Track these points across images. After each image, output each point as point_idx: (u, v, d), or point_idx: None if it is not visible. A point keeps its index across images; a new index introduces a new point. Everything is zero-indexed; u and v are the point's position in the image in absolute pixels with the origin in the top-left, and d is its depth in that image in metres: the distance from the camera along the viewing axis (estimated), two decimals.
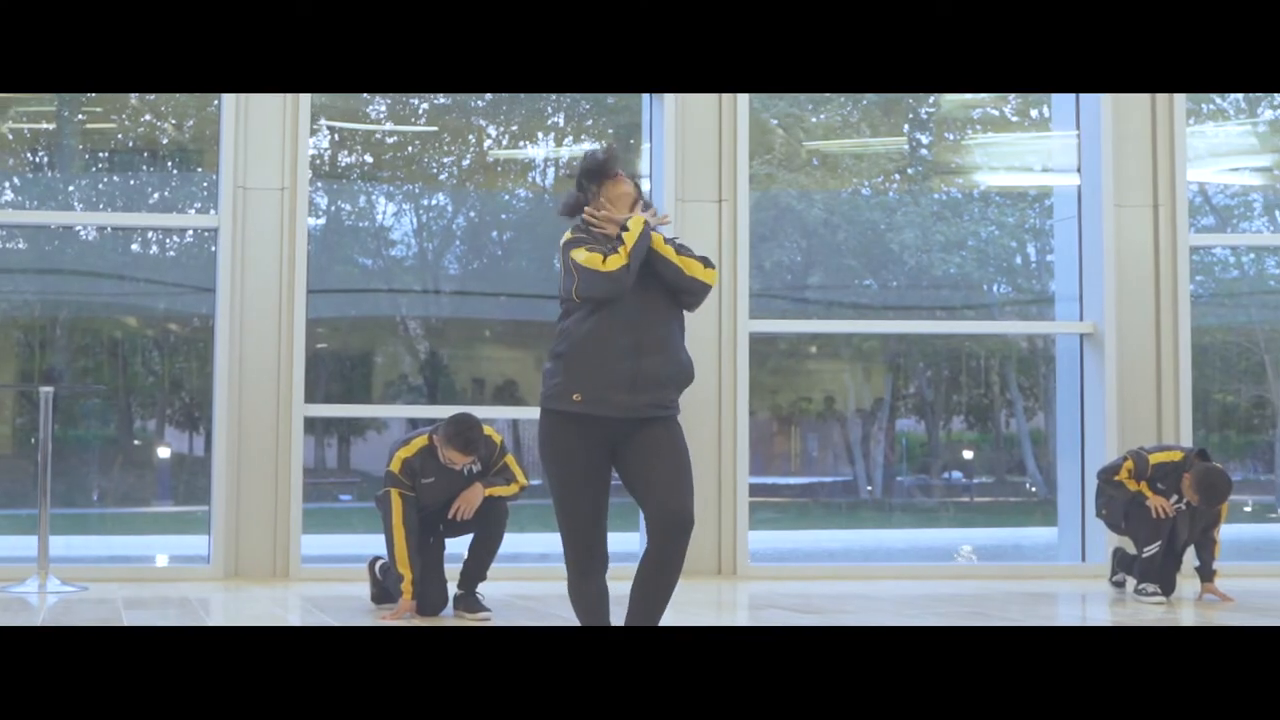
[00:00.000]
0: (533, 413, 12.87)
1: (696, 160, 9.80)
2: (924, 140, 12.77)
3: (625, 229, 4.79)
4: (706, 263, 4.89)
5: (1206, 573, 8.26)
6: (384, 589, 7.52)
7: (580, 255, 4.76)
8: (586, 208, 4.93)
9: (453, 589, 7.34)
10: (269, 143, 9.57)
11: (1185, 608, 7.89)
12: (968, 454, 14.82)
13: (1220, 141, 12.53)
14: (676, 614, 7.99)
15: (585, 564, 4.81)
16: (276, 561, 9.38)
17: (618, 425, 4.76)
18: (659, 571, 4.74)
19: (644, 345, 4.75)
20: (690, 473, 4.79)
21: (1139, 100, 10.07)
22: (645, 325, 4.76)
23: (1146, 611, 7.67)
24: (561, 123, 12.30)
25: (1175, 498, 8.18)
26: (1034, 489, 14.29)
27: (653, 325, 4.78)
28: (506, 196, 12.63)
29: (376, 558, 7.64)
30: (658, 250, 4.83)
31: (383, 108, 11.84)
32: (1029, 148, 12.13)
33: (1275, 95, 12.47)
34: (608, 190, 4.93)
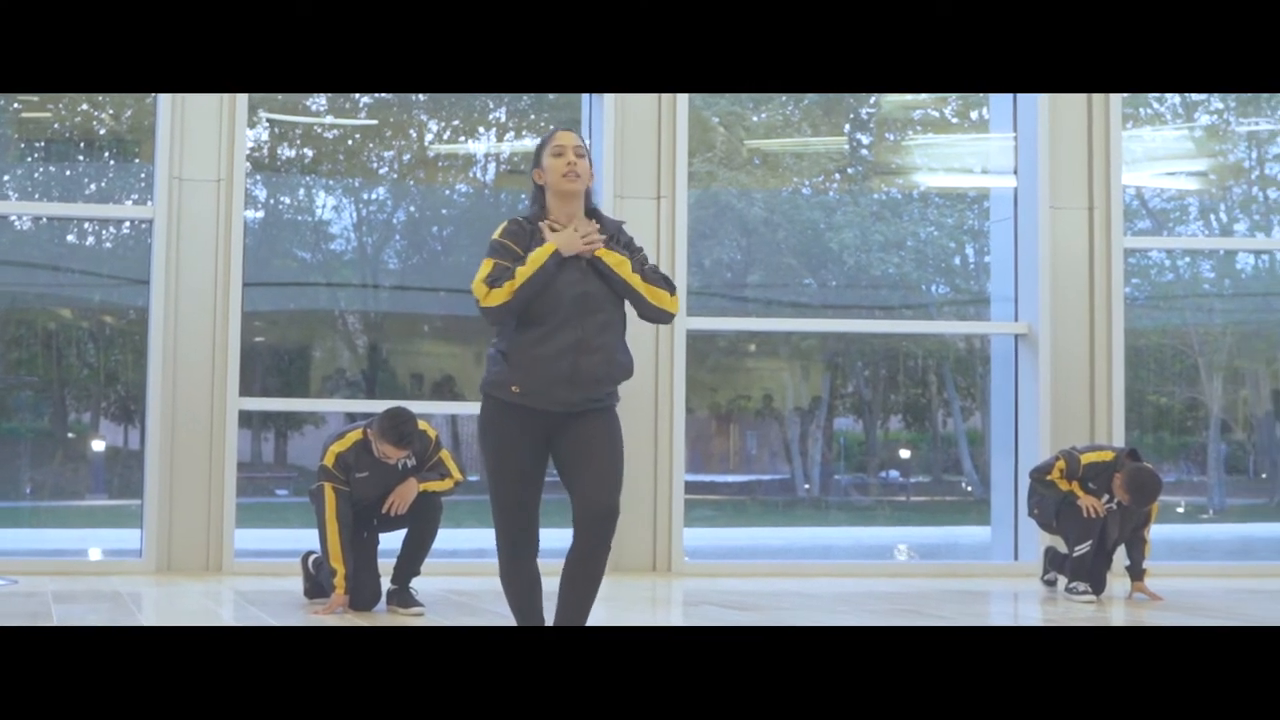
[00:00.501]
0: (472, 408, 12.86)
1: (636, 156, 9.80)
2: (864, 140, 12.82)
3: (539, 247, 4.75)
4: (672, 290, 4.90)
5: (1137, 572, 8.34)
6: (317, 584, 7.49)
7: (480, 271, 4.77)
8: (543, 221, 4.89)
9: (386, 584, 7.31)
10: (205, 134, 9.51)
11: (1115, 606, 7.96)
12: (905, 453, 14.90)
13: (1157, 146, 12.64)
14: (609, 610, 8.00)
15: (515, 547, 4.84)
16: (210, 555, 9.32)
17: (555, 418, 4.78)
18: (583, 562, 4.78)
19: (583, 344, 4.74)
20: (621, 466, 4.82)
21: (1075, 103, 10.13)
22: (586, 324, 4.75)
23: (1077, 610, 7.73)
24: (503, 118, 12.28)
25: (1106, 497, 8.25)
26: (970, 488, 14.38)
27: (593, 323, 4.76)
28: (447, 191, 12.59)
29: (310, 552, 7.61)
30: (624, 279, 4.82)
31: (323, 101, 11.77)
32: (968, 149, 12.21)
33: (1212, 100, 12.60)
34: (548, 159, 4.88)
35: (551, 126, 5.15)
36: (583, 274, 4.78)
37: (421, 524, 7.24)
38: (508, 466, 4.79)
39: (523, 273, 4.69)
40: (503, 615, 5.17)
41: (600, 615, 7.87)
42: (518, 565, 4.87)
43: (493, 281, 4.70)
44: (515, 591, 4.93)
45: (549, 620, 4.93)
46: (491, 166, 12.46)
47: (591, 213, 4.93)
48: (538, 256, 4.72)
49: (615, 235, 4.91)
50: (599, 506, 4.73)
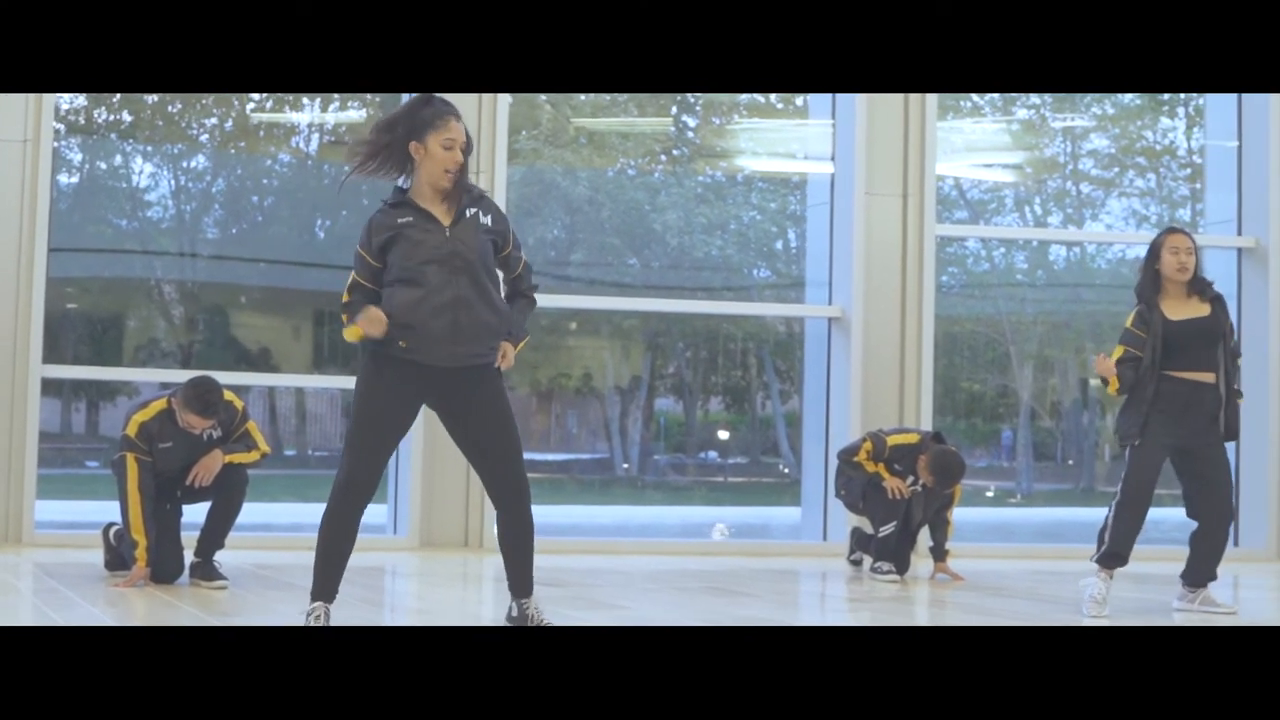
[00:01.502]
0: (288, 380, 12.68)
1: None
2: (690, 123, 12.90)
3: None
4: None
5: (939, 552, 8.51)
6: (119, 555, 7.34)
7: (347, 284, 5.05)
8: None
9: (190, 557, 7.19)
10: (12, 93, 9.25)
11: (919, 586, 8.12)
12: (724, 434, 15.06)
13: (976, 138, 12.91)
14: (419, 585, 7.98)
15: (348, 492, 4.98)
16: (9, 527, 9.10)
17: (441, 375, 4.96)
18: (516, 533, 5.19)
19: (460, 300, 4.92)
20: (518, 435, 5.17)
21: (893, 94, 10.30)
22: (459, 281, 4.93)
23: (882, 589, 7.87)
24: None
25: (911, 479, 8.40)
26: (787, 470, 14.58)
27: (467, 280, 4.94)
28: (269, 161, 12.41)
29: (111, 524, 7.45)
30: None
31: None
32: (791, 135, 12.34)
33: (1029, 96, 12.89)
34: (435, 145, 4.94)
35: (431, 100, 5.10)
36: (449, 235, 4.95)
37: (226, 496, 7.13)
38: (373, 409, 4.97)
39: (348, 333, 4.98)
40: (306, 588, 5.13)
41: (408, 588, 7.85)
42: (344, 512, 5.00)
43: (348, 309, 5.00)
44: (326, 543, 5.04)
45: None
46: (315, 137, 12.31)
47: (461, 184, 5.04)
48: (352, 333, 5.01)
49: (479, 204, 5.07)
50: (519, 487, 5.13)
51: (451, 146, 4.95)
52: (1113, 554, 6.57)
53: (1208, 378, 6.62)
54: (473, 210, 5.03)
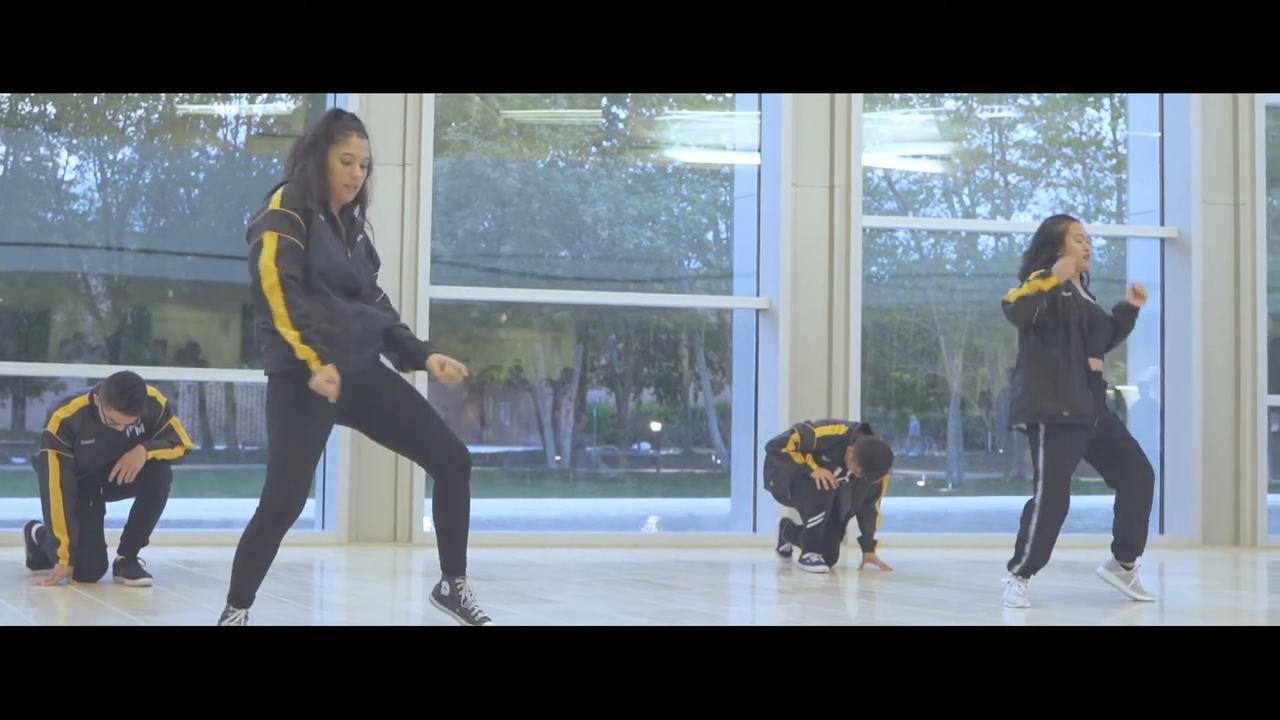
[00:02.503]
0: (217, 375, 12.60)
1: (381, 123, 9.64)
2: (620, 114, 12.91)
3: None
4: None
5: (868, 543, 8.56)
6: (41, 554, 7.27)
7: (266, 247, 4.76)
8: None
9: (113, 554, 7.14)
10: None
11: (848, 577, 8.17)
12: (656, 426, 15.08)
13: (903, 129, 12.98)
14: (348, 580, 7.96)
15: (283, 515, 4.90)
16: None
17: (347, 380, 4.84)
18: (456, 504, 5.14)
19: (361, 310, 4.95)
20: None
21: None
22: (363, 291, 4.98)
23: (810, 580, 7.91)
24: None
25: (839, 470, 8.45)
26: (719, 461, 14.63)
27: (367, 289, 5.01)
28: (196, 154, 12.32)
29: (33, 522, 7.38)
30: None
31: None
32: (720, 126, 12.37)
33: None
34: (334, 160, 4.89)
35: (340, 115, 5.04)
36: (350, 257, 4.95)
37: (150, 493, 7.08)
38: (305, 431, 4.87)
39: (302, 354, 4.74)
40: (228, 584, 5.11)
41: (337, 584, 7.83)
42: (274, 531, 4.92)
43: (280, 259, 4.72)
44: (257, 559, 4.95)
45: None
46: (243, 130, 12.23)
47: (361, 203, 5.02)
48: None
49: (367, 234, 5.10)
50: (464, 453, 5.11)
51: (350, 162, 4.88)
52: (1032, 567, 6.58)
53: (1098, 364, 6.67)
54: (361, 238, 5.06)
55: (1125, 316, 6.77)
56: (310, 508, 9.90)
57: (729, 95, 11.73)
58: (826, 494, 8.42)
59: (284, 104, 11.69)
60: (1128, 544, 6.79)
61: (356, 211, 5.02)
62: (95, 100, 11.78)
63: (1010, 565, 6.60)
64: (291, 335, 4.69)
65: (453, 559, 5.20)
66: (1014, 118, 13.79)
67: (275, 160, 11.92)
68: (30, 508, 7.48)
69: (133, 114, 12.00)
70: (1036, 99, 13.52)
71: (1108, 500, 6.91)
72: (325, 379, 4.70)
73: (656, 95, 12.45)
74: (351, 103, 9.63)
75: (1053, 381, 6.47)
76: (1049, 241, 6.60)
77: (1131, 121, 11.74)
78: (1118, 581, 6.86)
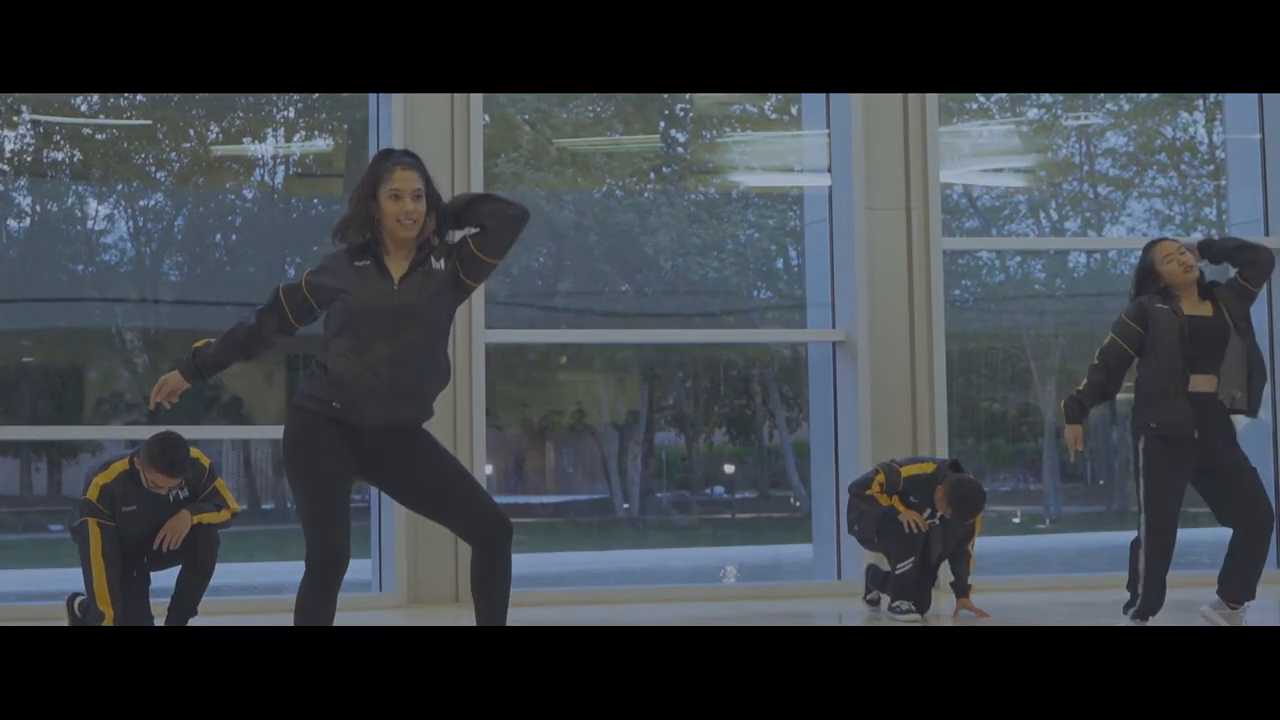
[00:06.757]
0: (262, 432, 12.67)
1: (427, 159, 9.68)
2: (680, 138, 12.94)
3: None
4: (500, 201, 5.04)
5: (961, 588, 8.50)
6: (85, 628, 7.34)
7: (284, 293, 5.04)
8: None
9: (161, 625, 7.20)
10: None
11: (941, 625, 8.12)
12: (729, 468, 15.06)
13: (983, 141, 12.93)
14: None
15: (326, 571, 4.88)
16: None
17: (370, 434, 4.87)
18: (498, 572, 4.98)
19: (400, 358, 4.88)
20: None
21: (890, 98, 10.28)
22: (404, 339, 4.89)
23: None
24: (292, 115, 12.16)
25: (928, 511, 8.40)
26: (798, 503, 14.57)
27: (412, 338, 4.90)
28: (231, 197, 12.45)
29: (76, 594, 7.45)
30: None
31: (94, 99, 11.57)
32: (787, 146, 12.35)
33: (1040, 94, 12.92)
34: (383, 199, 4.93)
35: (388, 154, 5.12)
36: (397, 287, 4.89)
37: (197, 559, 7.13)
38: (318, 476, 4.88)
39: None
40: None
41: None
42: (325, 595, 4.90)
43: (195, 354, 5.15)
44: (314, 619, 4.92)
45: None
46: (280, 169, 12.35)
47: (429, 242, 4.98)
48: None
49: (444, 252, 4.98)
50: (500, 520, 4.97)
51: (400, 196, 4.90)
52: (1149, 609, 6.58)
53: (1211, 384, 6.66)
54: (436, 261, 4.96)
55: (1246, 266, 6.74)
56: (366, 569, 9.94)
57: (795, 112, 11.73)
58: (915, 537, 8.37)
59: (322, 141, 11.81)
60: (1234, 584, 6.73)
61: (435, 238, 4.97)
62: (124, 144, 11.94)
63: (1126, 609, 6.58)
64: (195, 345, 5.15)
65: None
66: (1102, 124, 13.72)
67: (316, 202, 12.02)
68: (71, 579, 7.55)
69: (162, 157, 12.13)
70: (1125, 103, 13.45)
71: (1219, 533, 6.86)
72: (164, 383, 5.07)
73: (717, 117, 12.47)
74: (396, 137, 9.72)
75: (1145, 394, 6.69)
76: (1143, 274, 6.76)
77: (1229, 124, 11.64)
78: (1221, 622, 6.80)
